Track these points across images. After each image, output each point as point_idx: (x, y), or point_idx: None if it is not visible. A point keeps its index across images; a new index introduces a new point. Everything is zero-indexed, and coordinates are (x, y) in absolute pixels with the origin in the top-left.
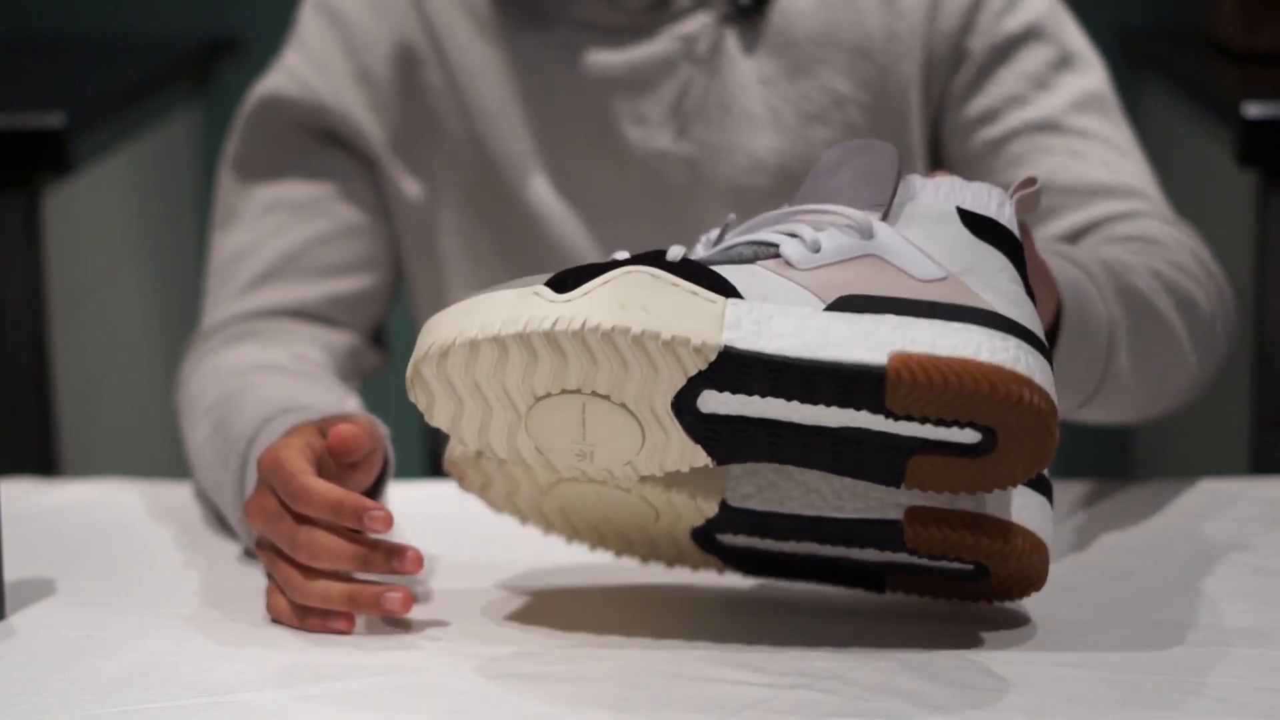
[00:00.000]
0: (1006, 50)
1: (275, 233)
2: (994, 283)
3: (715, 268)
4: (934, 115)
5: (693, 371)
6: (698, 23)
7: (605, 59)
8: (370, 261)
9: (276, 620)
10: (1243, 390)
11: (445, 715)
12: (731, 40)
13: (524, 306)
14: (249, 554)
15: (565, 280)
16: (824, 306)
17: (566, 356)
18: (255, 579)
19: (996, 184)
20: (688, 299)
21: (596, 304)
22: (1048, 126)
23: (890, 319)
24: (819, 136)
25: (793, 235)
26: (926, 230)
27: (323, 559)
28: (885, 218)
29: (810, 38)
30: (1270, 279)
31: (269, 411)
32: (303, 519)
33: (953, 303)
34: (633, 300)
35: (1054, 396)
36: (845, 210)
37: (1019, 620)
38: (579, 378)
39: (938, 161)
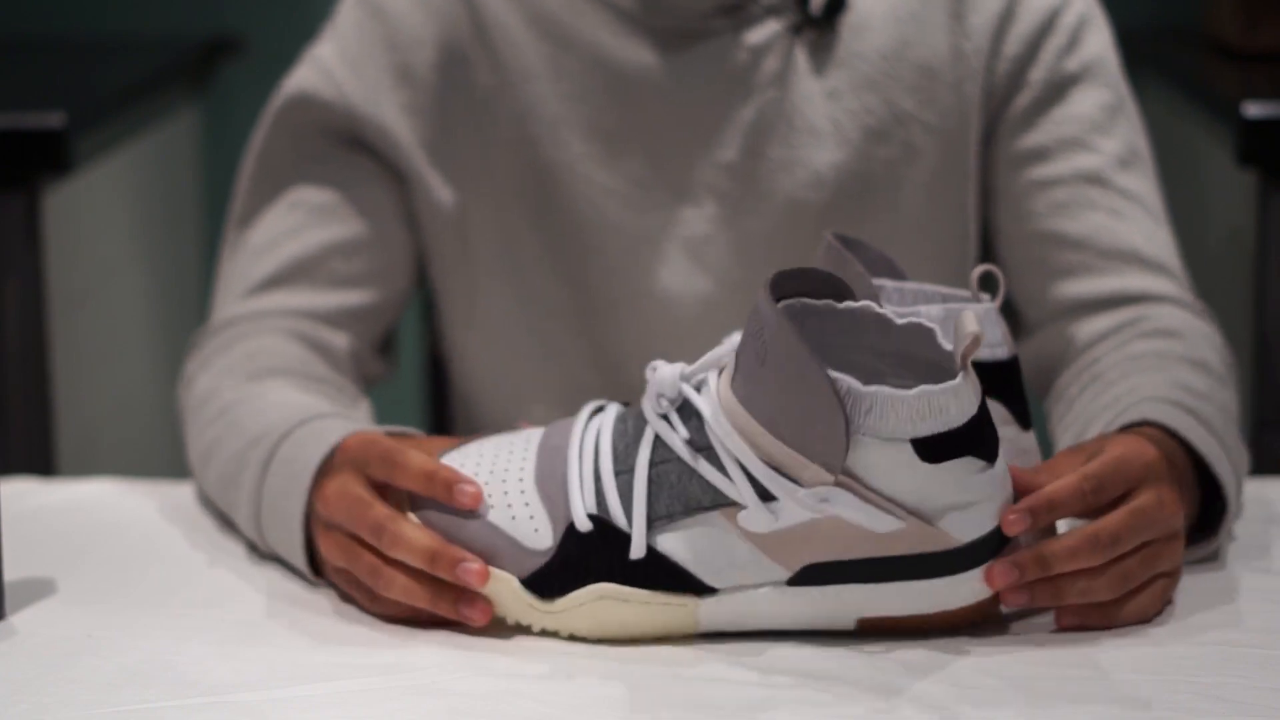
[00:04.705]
0: (1063, 88)
1: (292, 234)
2: (957, 498)
3: (680, 562)
4: (985, 139)
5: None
6: (768, 30)
7: (672, 67)
8: (384, 274)
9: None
10: (1243, 391)
11: (445, 715)
12: (800, 53)
13: (509, 608)
14: (254, 550)
15: (543, 579)
16: (788, 577)
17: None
18: (256, 579)
19: (1034, 230)
20: (660, 610)
21: (576, 622)
22: (1094, 179)
23: (853, 588)
24: (880, 154)
25: (745, 473)
26: (882, 471)
27: (399, 548)
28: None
29: (879, 52)
30: (1270, 279)
31: (302, 415)
32: (393, 511)
33: (913, 554)
34: (610, 620)
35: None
36: (799, 468)
37: (1019, 620)
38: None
39: (987, 190)
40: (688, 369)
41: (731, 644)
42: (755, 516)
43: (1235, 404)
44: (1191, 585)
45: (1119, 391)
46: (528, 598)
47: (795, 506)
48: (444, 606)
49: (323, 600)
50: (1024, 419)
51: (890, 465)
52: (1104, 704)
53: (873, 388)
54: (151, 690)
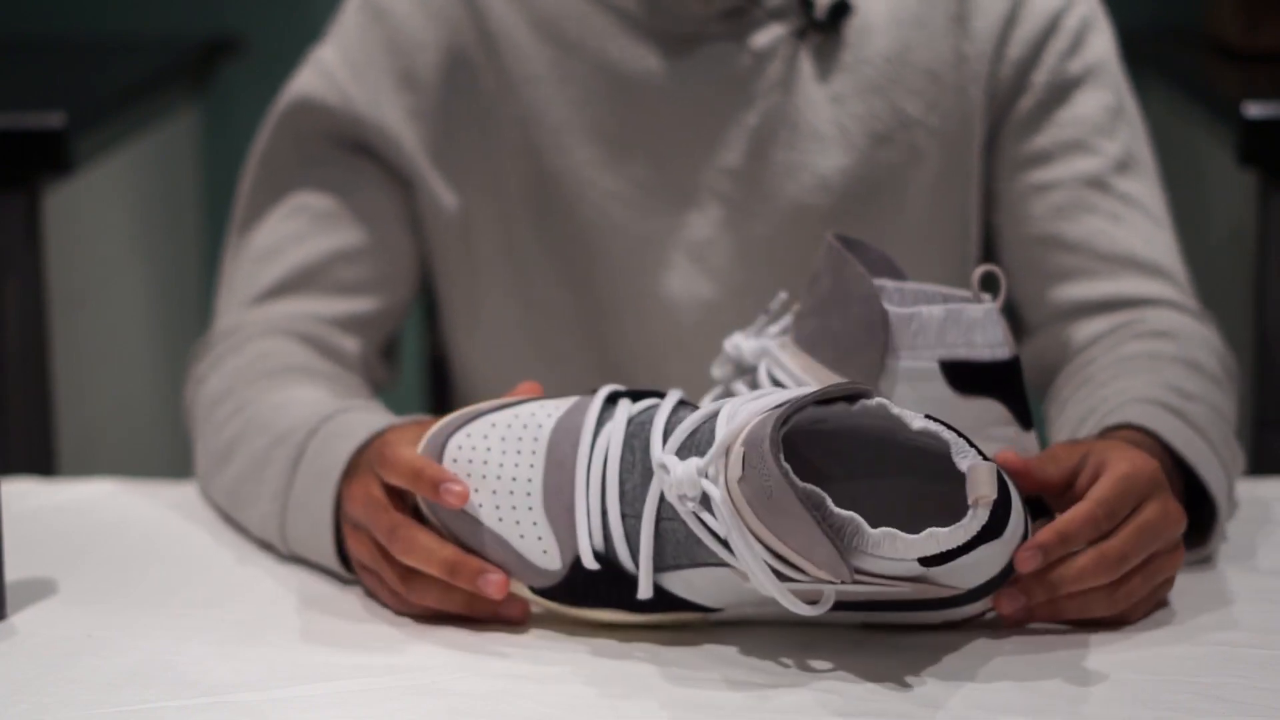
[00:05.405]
0: (1066, 91)
1: (296, 240)
2: (966, 566)
3: (688, 598)
4: (988, 142)
5: None
6: (772, 35)
7: (676, 71)
8: (388, 280)
9: (432, 608)
10: (1243, 390)
11: (445, 715)
12: (805, 57)
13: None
14: (254, 550)
15: (555, 594)
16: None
17: None
18: (256, 578)
19: (1033, 233)
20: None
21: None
22: (1094, 183)
23: (860, 614)
24: (885, 158)
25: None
26: (890, 570)
27: (415, 554)
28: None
29: (883, 56)
30: (1270, 279)
31: (326, 410)
32: (407, 517)
33: (921, 599)
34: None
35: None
36: (806, 565)
37: (1019, 621)
38: None
39: (989, 196)
40: (700, 462)
41: (732, 644)
42: (761, 584)
43: (1231, 405)
44: (1191, 586)
45: (1107, 393)
46: (541, 600)
47: (799, 600)
48: (480, 611)
49: (323, 600)
50: (1024, 419)
51: (898, 569)
52: (1105, 704)
53: (880, 530)
54: (151, 690)
